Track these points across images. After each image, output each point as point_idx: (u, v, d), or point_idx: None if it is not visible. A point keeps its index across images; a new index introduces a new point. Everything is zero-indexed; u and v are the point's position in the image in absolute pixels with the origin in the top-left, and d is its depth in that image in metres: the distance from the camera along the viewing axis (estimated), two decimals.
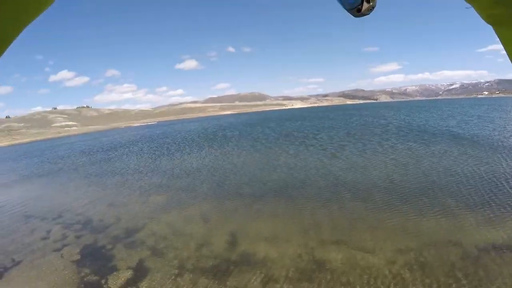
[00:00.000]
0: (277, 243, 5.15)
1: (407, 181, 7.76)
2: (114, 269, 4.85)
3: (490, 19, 0.37)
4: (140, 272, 4.72)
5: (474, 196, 6.37)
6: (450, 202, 6.06)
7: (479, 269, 3.97)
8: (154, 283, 4.39)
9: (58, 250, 5.82)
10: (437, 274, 3.97)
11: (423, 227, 5.11)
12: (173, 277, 4.49)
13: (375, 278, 4.02)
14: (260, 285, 4.15)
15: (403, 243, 4.70)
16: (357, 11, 0.48)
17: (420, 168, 9.04)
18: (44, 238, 6.55)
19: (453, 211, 5.63)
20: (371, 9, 0.49)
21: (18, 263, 5.49)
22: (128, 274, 4.68)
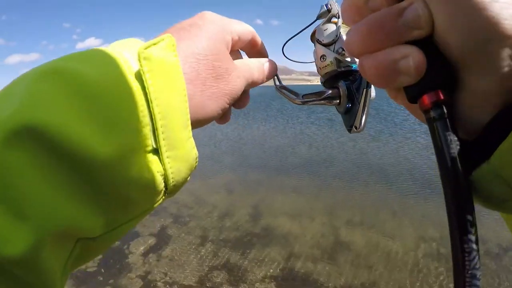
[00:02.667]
0: (300, 220, 5.10)
1: (432, 167, 7.56)
2: (136, 235, 4.88)
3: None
4: (162, 239, 4.74)
5: None
6: None
7: (499, 268, 3.85)
8: (175, 251, 4.40)
9: None
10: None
11: (445, 217, 4.97)
12: (194, 246, 4.49)
13: (396, 264, 3.93)
14: (282, 260, 4.11)
15: (426, 231, 4.58)
16: (348, 130, 0.50)
17: None
18: None
19: (478, 205, 5.45)
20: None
21: None
22: (150, 240, 4.71)
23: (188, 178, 0.38)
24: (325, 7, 0.48)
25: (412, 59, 0.26)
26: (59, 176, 0.25)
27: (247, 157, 9.12)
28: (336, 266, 3.95)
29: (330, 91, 0.49)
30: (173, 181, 0.33)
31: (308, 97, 0.50)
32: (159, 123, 0.29)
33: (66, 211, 0.26)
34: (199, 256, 4.28)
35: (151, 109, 0.29)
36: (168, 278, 3.92)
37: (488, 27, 0.23)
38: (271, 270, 3.95)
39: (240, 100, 0.46)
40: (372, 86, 0.46)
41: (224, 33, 0.39)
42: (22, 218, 0.23)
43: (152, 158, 0.30)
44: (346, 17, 0.32)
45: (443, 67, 0.26)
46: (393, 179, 6.89)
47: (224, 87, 0.38)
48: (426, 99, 0.27)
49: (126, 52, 0.31)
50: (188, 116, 0.33)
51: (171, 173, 0.32)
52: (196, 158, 0.36)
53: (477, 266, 0.25)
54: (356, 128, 0.48)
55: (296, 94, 0.50)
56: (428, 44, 0.26)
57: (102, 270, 4.18)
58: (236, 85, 0.40)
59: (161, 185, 0.32)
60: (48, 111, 0.25)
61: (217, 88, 0.37)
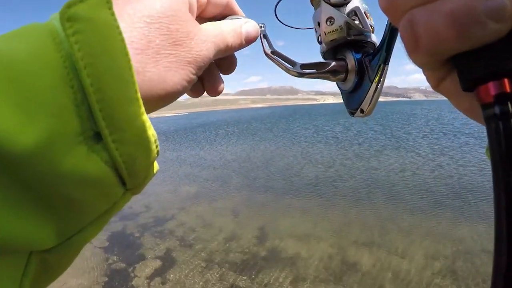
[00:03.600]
0: (307, 241, 5.04)
1: (443, 184, 7.49)
2: (142, 257, 4.85)
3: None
4: (167, 262, 4.70)
5: None
6: (488, 210, 5.79)
7: None
8: (181, 274, 4.35)
9: None
10: (470, 284, 3.79)
11: (457, 233, 4.89)
12: (200, 269, 4.45)
13: (407, 284, 3.86)
14: (289, 283, 4.05)
15: (436, 249, 4.50)
16: (350, 113, 0.43)
17: (456, 170, 8.74)
18: None
19: (489, 219, 5.37)
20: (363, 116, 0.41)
21: None
22: (155, 263, 4.67)
23: (155, 169, 0.32)
24: None
25: None
26: None
27: (253, 179, 9.10)
28: (344, 287, 3.88)
29: (334, 63, 0.41)
30: (127, 171, 0.26)
31: (308, 67, 0.41)
32: (93, 98, 0.23)
33: (8, 226, 0.22)
34: (204, 279, 4.22)
35: (81, 80, 0.23)
36: None
37: None
38: None
39: (225, 65, 0.41)
40: (389, 63, 0.38)
41: None
42: None
43: (92, 145, 0.24)
44: None
45: None
46: (401, 196, 6.83)
47: (185, 55, 0.30)
48: (490, 88, 0.21)
49: (56, 20, 0.25)
50: (136, 86, 0.25)
51: (123, 161, 0.25)
52: (155, 141, 0.28)
53: None
54: (362, 111, 0.42)
55: (292, 62, 0.41)
56: None
57: None
58: (201, 51, 0.32)
59: (111, 177, 0.25)
60: None
61: (176, 57, 0.30)
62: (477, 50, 0.21)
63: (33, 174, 0.22)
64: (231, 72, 0.41)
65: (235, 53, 0.39)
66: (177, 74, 0.30)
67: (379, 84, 0.39)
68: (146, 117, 0.26)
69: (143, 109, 0.25)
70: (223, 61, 0.40)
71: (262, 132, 22.75)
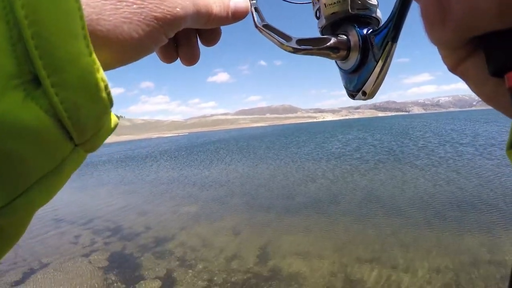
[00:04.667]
0: (309, 259, 4.98)
1: (443, 196, 7.46)
2: (142, 278, 4.78)
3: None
4: (168, 282, 4.64)
5: None
6: (492, 220, 5.74)
7: None
8: None
9: (86, 255, 5.82)
10: None
11: (461, 245, 4.84)
12: None
13: None
14: None
15: (440, 262, 4.45)
16: (350, 95, 0.38)
17: (458, 182, 8.72)
18: (73, 243, 6.58)
19: (493, 230, 5.34)
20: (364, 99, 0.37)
21: (46, 265, 5.51)
22: (155, 284, 4.60)
23: (112, 123, 0.26)
24: None
25: None
26: None
27: (254, 197, 9.08)
28: None
29: (335, 39, 0.37)
30: (71, 121, 0.22)
31: (305, 43, 0.37)
32: (28, 32, 0.19)
33: None
34: None
35: (15, 12, 0.19)
36: None
37: None
38: None
39: (207, 34, 0.37)
40: (397, 41, 0.34)
41: None
42: None
43: (30, 90, 0.20)
44: None
45: None
46: (402, 210, 6.79)
47: (153, 8, 0.26)
48: None
49: None
50: (83, 21, 0.21)
51: (64, 109, 0.21)
52: (106, 87, 0.23)
53: None
54: (364, 94, 0.38)
55: (287, 37, 0.37)
56: None
57: None
58: (174, 8, 0.27)
59: (52, 129, 0.21)
60: None
61: (141, 8, 0.25)
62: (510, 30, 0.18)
63: None
64: (213, 45, 0.37)
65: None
66: (138, 29, 0.25)
67: (385, 64, 0.35)
68: (94, 58, 0.22)
69: (91, 48, 0.21)
70: (206, 30, 0.36)
71: (262, 151, 22.81)
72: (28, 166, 0.21)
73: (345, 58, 0.38)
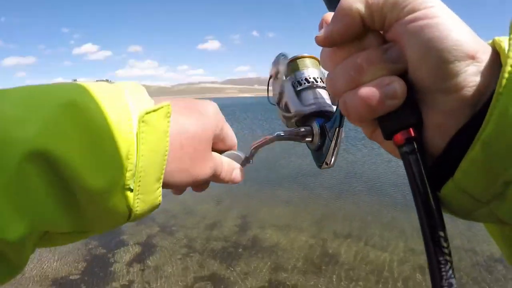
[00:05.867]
0: (288, 231, 5.06)
1: None
2: (122, 244, 4.83)
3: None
4: (148, 248, 4.69)
5: None
6: None
7: (488, 279, 3.85)
8: (161, 261, 4.35)
9: None
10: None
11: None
12: (180, 256, 4.44)
13: (386, 277, 3.90)
14: (268, 272, 4.07)
15: (417, 244, 4.54)
16: (318, 166, 0.55)
17: None
18: None
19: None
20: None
21: None
22: (135, 249, 4.65)
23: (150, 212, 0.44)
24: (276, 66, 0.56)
25: (397, 84, 0.31)
26: (58, 192, 0.32)
27: None
28: (324, 278, 3.92)
29: (303, 129, 0.55)
30: (135, 216, 0.39)
31: (284, 136, 0.56)
32: (139, 173, 0.36)
33: (53, 219, 0.33)
34: (185, 266, 4.23)
35: (137, 161, 0.36)
36: None
37: (450, 51, 0.29)
38: (258, 282, 3.91)
39: (200, 186, 0.53)
40: (343, 125, 0.49)
41: (214, 128, 0.46)
42: (22, 214, 0.30)
43: (127, 194, 0.36)
44: (328, 60, 0.37)
45: (414, 108, 0.32)
46: (384, 190, 6.89)
47: (194, 169, 0.44)
48: (400, 136, 0.32)
49: (132, 103, 0.38)
50: (163, 173, 0.39)
51: (136, 210, 0.38)
52: (159, 204, 0.43)
53: (452, 276, 0.31)
54: (327, 164, 0.53)
55: (272, 138, 0.56)
56: (405, 77, 0.32)
57: (86, 278, 4.12)
58: (204, 173, 0.45)
59: (125, 216, 0.39)
60: (59, 142, 0.31)
61: (189, 166, 0.43)
62: (388, 114, 0.32)
63: (91, 198, 0.34)
64: (199, 192, 0.56)
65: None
66: (183, 177, 0.44)
67: (337, 142, 0.50)
68: (160, 191, 0.41)
69: (161, 185, 0.41)
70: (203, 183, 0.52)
71: (249, 120, 22.76)
72: (103, 225, 0.39)
73: (311, 142, 0.55)
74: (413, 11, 0.30)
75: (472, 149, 0.29)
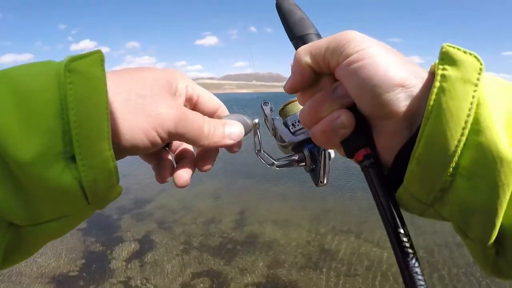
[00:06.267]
0: (286, 227, 5.08)
1: None
2: (120, 240, 4.83)
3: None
4: (145, 244, 4.69)
5: None
6: None
7: (485, 276, 3.85)
8: (159, 257, 4.36)
9: None
10: (444, 274, 3.90)
11: (435, 226, 4.96)
12: (178, 252, 4.45)
13: (383, 272, 3.92)
14: (266, 267, 4.09)
15: (414, 240, 4.52)
16: (316, 185, 0.61)
17: None
18: None
19: None
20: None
21: None
22: (133, 246, 4.66)
23: (118, 192, 0.40)
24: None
25: (344, 116, 0.37)
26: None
27: (233, 163, 9.09)
28: (321, 274, 3.93)
29: (297, 156, 0.61)
30: (89, 189, 0.35)
31: (282, 161, 0.61)
32: (74, 131, 0.32)
33: (6, 205, 0.32)
34: (182, 262, 4.24)
35: (69, 116, 0.32)
36: (150, 284, 3.88)
37: (380, 85, 0.34)
38: (255, 278, 3.92)
39: (202, 156, 0.52)
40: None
41: (169, 78, 0.42)
42: None
43: (68, 164, 0.33)
44: (300, 101, 0.45)
45: (366, 132, 0.38)
46: None
47: (149, 124, 0.38)
48: (359, 154, 0.39)
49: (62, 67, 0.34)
50: (108, 129, 0.34)
51: (86, 181, 0.34)
52: (115, 172, 0.37)
53: (416, 265, 0.36)
54: (321, 182, 0.59)
55: (271, 162, 0.61)
56: (354, 108, 0.38)
57: (84, 274, 4.12)
58: (165, 129, 0.40)
59: (76, 190, 0.34)
60: None
61: (143, 122, 0.38)
62: (346, 139, 0.39)
63: (23, 172, 0.31)
64: (205, 170, 0.53)
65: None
66: (142, 132, 0.38)
67: (326, 164, 0.57)
68: (111, 153, 0.35)
69: (110, 147, 0.34)
70: (202, 155, 0.53)
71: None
72: (55, 207, 0.35)
73: (305, 165, 0.61)
74: (348, 55, 0.36)
75: (410, 164, 0.34)
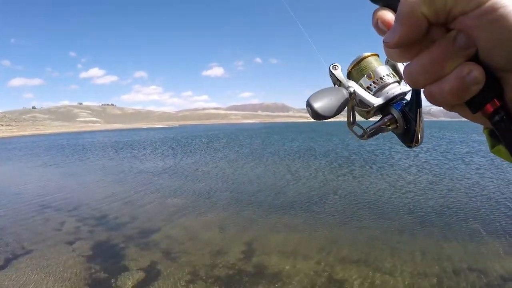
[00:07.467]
0: (294, 258, 4.99)
1: (429, 203, 7.54)
2: (125, 269, 4.76)
3: None
4: (151, 275, 4.62)
5: (503, 222, 6.12)
6: (475, 227, 5.82)
7: None
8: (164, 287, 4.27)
9: (70, 243, 5.78)
10: None
11: (445, 251, 4.91)
12: (184, 283, 4.37)
13: None
14: None
15: (423, 267, 4.51)
16: (408, 147, 0.56)
17: (443, 189, 8.85)
18: (57, 230, 6.55)
19: (477, 237, 5.43)
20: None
21: (29, 251, 5.47)
22: (138, 275, 4.58)
23: None
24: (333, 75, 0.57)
25: (476, 70, 0.34)
26: None
27: (241, 193, 9.07)
28: None
29: (386, 119, 0.56)
30: None
31: (372, 128, 0.57)
32: None
33: None
34: None
35: None
36: None
37: None
38: None
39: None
40: (421, 105, 0.52)
41: None
42: None
43: None
44: (398, 57, 0.39)
45: (494, 82, 0.35)
46: (389, 215, 6.84)
47: None
48: (488, 108, 0.36)
49: None
50: None
51: None
52: None
53: None
54: (416, 143, 0.54)
55: (362, 133, 0.58)
56: (477, 59, 0.34)
57: None
58: None
59: None
60: None
61: None
62: (472, 98, 0.35)
63: None
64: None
65: None
66: None
67: (421, 121, 0.53)
68: None
69: None
70: None
71: (254, 146, 22.83)
72: None
73: (397, 128, 0.56)
74: (480, 3, 0.32)
75: None
